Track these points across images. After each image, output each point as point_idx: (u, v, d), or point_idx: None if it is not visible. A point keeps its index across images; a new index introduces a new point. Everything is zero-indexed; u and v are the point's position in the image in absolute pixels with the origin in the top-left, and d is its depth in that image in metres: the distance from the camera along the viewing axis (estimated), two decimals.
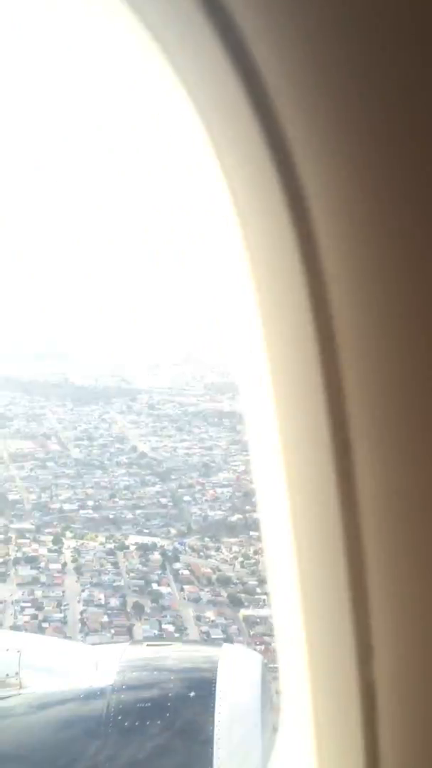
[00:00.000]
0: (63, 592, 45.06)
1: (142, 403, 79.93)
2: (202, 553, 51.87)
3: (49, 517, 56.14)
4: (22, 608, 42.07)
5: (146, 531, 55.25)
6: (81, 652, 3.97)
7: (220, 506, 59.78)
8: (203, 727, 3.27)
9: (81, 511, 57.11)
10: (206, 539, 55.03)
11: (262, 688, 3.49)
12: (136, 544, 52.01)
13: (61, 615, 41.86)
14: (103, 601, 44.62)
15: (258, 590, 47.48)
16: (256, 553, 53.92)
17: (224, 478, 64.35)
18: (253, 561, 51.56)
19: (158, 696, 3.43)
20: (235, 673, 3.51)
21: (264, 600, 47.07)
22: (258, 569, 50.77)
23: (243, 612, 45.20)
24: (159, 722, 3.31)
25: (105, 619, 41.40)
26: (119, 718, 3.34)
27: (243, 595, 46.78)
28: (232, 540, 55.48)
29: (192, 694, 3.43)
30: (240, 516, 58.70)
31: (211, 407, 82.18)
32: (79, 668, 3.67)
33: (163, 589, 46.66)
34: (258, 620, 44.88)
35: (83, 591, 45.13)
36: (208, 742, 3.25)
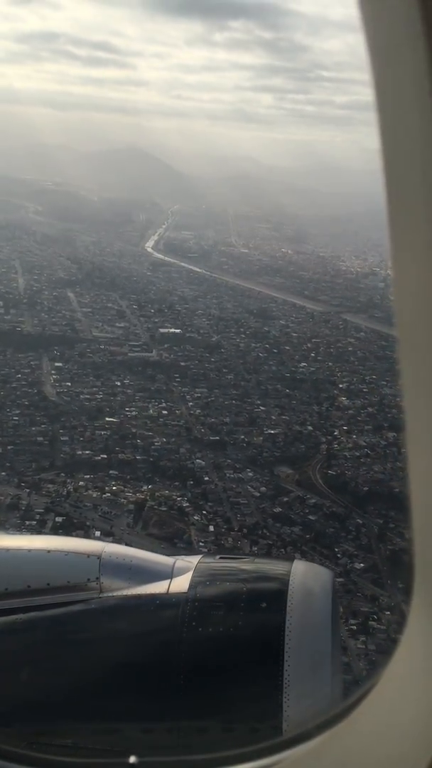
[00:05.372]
0: None
1: (75, 352, 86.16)
2: (23, 484, 57.80)
3: None
4: None
5: (8, 464, 61.58)
6: (158, 560, 4.08)
7: (92, 447, 65.52)
8: (274, 636, 3.41)
9: None
10: (62, 474, 60.83)
11: (332, 603, 3.61)
12: None
13: None
14: None
15: (40, 511, 52.86)
16: (96, 489, 59.17)
17: (108, 422, 69.73)
18: (73, 494, 57.13)
19: (231, 605, 3.60)
20: (307, 586, 3.63)
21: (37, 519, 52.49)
22: (63, 501, 56.29)
23: None
24: (231, 629, 3.54)
25: None
26: (193, 623, 3.53)
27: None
28: (86, 476, 61.03)
29: (264, 605, 3.58)
30: (104, 456, 64.14)
31: (140, 357, 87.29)
32: (156, 575, 3.87)
33: None
34: None
35: None
36: (278, 651, 3.38)
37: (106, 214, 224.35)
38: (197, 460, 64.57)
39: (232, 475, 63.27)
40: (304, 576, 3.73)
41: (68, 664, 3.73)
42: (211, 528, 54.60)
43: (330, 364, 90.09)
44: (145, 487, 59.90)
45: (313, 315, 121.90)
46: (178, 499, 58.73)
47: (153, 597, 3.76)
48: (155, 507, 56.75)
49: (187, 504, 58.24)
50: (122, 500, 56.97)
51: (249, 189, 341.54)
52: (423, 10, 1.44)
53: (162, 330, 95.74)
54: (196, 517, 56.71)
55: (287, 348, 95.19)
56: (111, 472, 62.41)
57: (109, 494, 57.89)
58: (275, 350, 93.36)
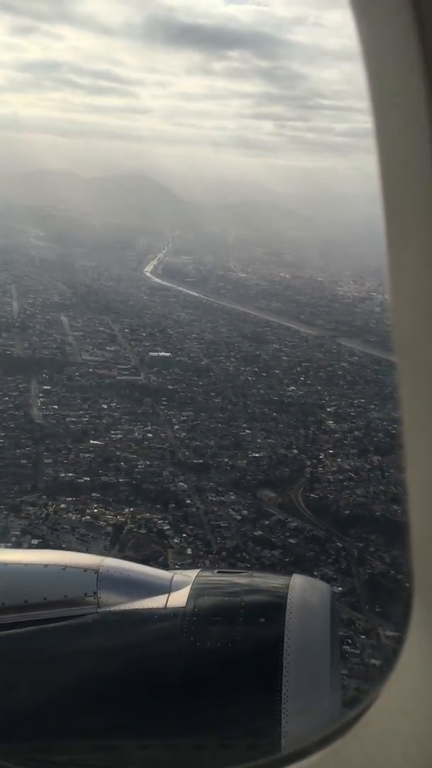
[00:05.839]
0: None
1: (64, 375, 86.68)
2: (2, 506, 57.98)
3: None
4: None
5: None
6: (156, 574, 4.05)
7: (75, 469, 65.58)
8: (273, 651, 3.37)
9: None
10: (43, 497, 60.93)
11: (331, 618, 3.59)
12: None
13: None
14: None
15: (16, 533, 52.99)
16: (77, 511, 59.21)
17: (93, 445, 69.88)
18: (52, 516, 57.18)
19: (229, 620, 3.59)
20: (306, 601, 3.62)
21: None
22: (41, 523, 56.35)
23: None
24: (230, 644, 3.51)
25: None
26: (191, 638, 3.52)
27: None
28: (68, 499, 61.08)
29: (262, 619, 3.55)
30: (87, 479, 64.18)
31: (128, 380, 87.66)
32: (154, 589, 3.84)
33: None
34: None
35: None
36: (277, 666, 3.33)
37: (107, 240, 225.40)
38: (180, 483, 64.60)
39: (214, 498, 63.22)
40: (303, 590, 3.70)
41: (66, 680, 3.68)
42: (189, 551, 54.50)
43: (319, 387, 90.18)
44: (126, 510, 59.88)
45: (307, 339, 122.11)
46: (159, 521, 58.68)
47: (151, 611, 3.73)
48: (134, 529, 56.73)
49: (167, 527, 58.18)
50: (101, 523, 56.97)
51: (251, 215, 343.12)
52: (419, 36, 1.49)
53: (152, 353, 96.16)
54: (175, 540, 56.62)
55: (277, 372, 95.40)
56: (93, 494, 62.43)
57: (89, 517, 57.90)
58: (264, 374, 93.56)
